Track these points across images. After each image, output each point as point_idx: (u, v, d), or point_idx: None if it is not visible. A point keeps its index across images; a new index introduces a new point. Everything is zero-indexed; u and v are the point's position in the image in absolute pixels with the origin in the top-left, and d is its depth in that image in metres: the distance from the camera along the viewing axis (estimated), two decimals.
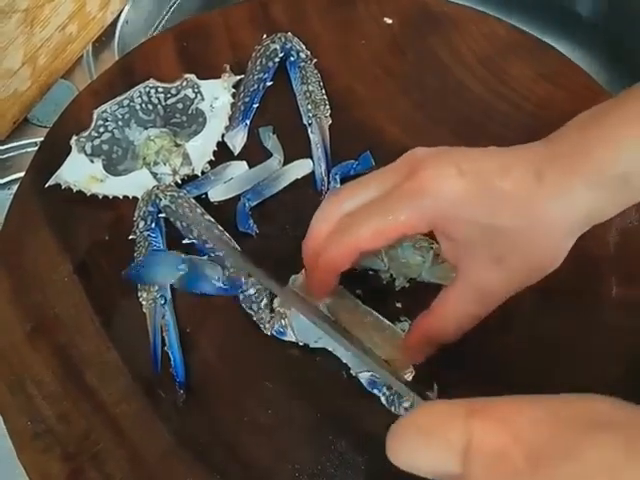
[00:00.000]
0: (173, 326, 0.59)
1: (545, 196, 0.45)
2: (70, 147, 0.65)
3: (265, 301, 0.57)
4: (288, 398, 0.55)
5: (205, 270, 0.57)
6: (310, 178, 0.66)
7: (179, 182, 0.65)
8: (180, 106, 0.67)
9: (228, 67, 0.68)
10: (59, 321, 0.60)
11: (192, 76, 0.67)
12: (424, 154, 0.48)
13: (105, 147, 0.65)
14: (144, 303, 0.59)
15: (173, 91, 0.67)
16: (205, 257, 0.60)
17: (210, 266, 0.57)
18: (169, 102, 0.67)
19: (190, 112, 0.67)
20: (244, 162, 0.66)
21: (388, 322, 0.56)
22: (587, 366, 0.57)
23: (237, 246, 0.60)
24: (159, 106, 0.67)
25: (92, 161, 0.64)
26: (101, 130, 0.65)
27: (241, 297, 0.57)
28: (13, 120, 0.82)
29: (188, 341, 0.58)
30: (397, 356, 0.54)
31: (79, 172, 0.64)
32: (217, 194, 0.64)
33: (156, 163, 0.65)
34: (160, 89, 0.67)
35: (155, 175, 0.64)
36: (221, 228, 0.61)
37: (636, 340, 0.58)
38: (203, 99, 0.66)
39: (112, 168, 0.65)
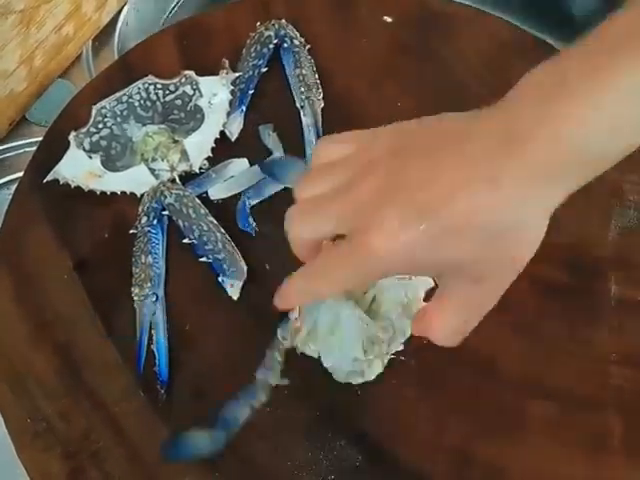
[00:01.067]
0: (162, 324, 0.59)
1: (506, 207, 0.38)
2: (69, 143, 0.64)
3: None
4: (287, 396, 0.55)
5: None
6: None
7: (177, 179, 0.65)
8: (179, 103, 0.67)
9: (227, 62, 0.68)
10: (59, 319, 0.59)
11: (191, 73, 0.67)
12: (371, 199, 0.39)
13: (103, 143, 0.65)
14: (135, 299, 0.59)
15: (172, 87, 0.67)
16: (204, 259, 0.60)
17: None
18: (167, 99, 0.67)
19: (188, 109, 0.67)
20: (245, 160, 0.66)
21: None
22: (587, 366, 0.57)
23: (237, 251, 0.60)
24: (157, 102, 0.67)
25: (90, 157, 0.64)
26: (100, 126, 0.65)
27: None
28: (9, 121, 0.82)
29: (187, 339, 0.58)
30: None
31: (77, 168, 0.64)
32: (217, 192, 0.64)
33: (154, 159, 0.65)
34: (159, 85, 0.67)
35: (153, 171, 0.64)
36: (223, 231, 0.61)
37: (636, 340, 0.58)
38: (202, 95, 0.66)
39: (110, 164, 0.64)
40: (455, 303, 0.43)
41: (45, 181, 0.64)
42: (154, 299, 0.59)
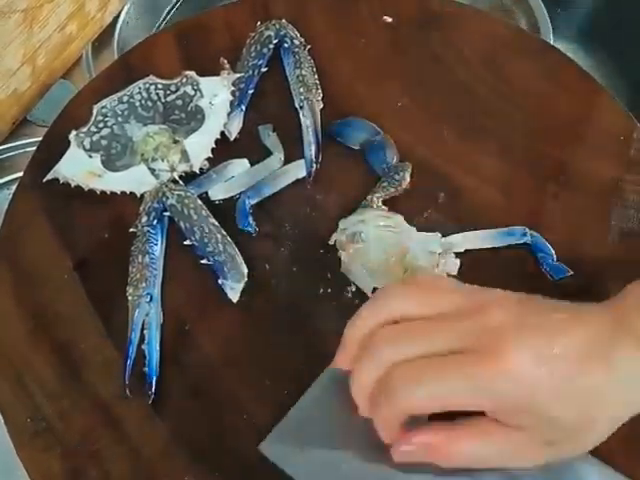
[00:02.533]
0: (156, 325, 0.58)
1: (613, 386, 0.43)
2: (69, 143, 0.64)
3: None
4: (287, 396, 0.55)
5: None
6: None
7: (177, 179, 0.65)
8: (179, 103, 0.67)
9: (226, 61, 0.68)
10: (59, 318, 0.60)
11: (192, 73, 0.67)
12: (503, 324, 0.43)
13: (104, 142, 0.65)
14: (129, 298, 0.59)
15: (172, 88, 0.67)
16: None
17: None
18: (168, 99, 0.67)
19: (189, 109, 0.67)
20: (245, 160, 0.65)
21: None
22: None
23: (238, 253, 0.60)
24: (158, 102, 0.67)
25: (90, 156, 0.64)
26: (100, 125, 0.65)
27: None
28: (13, 120, 0.82)
29: (187, 338, 0.58)
30: None
31: (77, 167, 0.64)
32: (218, 193, 0.64)
33: (154, 159, 0.65)
34: (160, 85, 0.67)
35: (153, 171, 0.64)
36: (224, 232, 0.61)
37: None
38: (202, 96, 0.66)
39: (110, 164, 0.64)
40: (506, 442, 0.44)
41: (45, 180, 0.64)
42: (148, 299, 0.59)
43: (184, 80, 0.67)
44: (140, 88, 0.67)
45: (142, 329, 0.58)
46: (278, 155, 0.66)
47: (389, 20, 0.75)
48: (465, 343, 0.42)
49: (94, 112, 0.65)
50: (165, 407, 0.56)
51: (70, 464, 0.54)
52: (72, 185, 0.64)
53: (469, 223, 0.62)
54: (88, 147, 0.65)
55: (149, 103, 0.67)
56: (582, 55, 0.99)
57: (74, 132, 0.64)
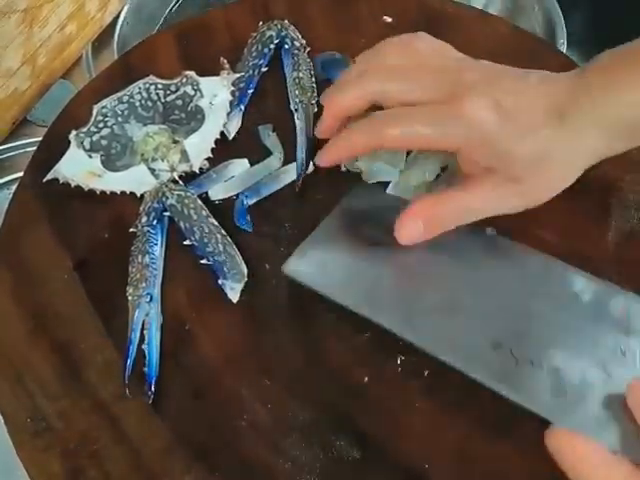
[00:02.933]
0: (156, 325, 0.58)
1: (563, 138, 0.51)
2: (69, 143, 0.65)
3: None
4: (288, 396, 0.55)
5: None
6: (310, 177, 0.65)
7: (177, 179, 0.65)
8: (179, 103, 0.67)
9: (226, 61, 0.69)
10: (59, 318, 0.59)
11: (192, 73, 0.67)
12: (471, 82, 0.52)
13: (104, 142, 0.65)
14: (129, 298, 0.59)
15: (172, 88, 0.67)
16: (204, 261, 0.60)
17: None
18: (168, 99, 0.67)
19: (189, 109, 0.67)
20: (245, 160, 0.66)
21: None
22: None
23: (238, 253, 0.60)
24: (158, 102, 0.67)
25: (90, 156, 0.64)
26: (100, 125, 0.65)
27: None
28: (13, 120, 0.82)
29: (187, 338, 0.58)
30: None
31: (77, 167, 0.64)
32: (218, 193, 0.64)
33: (154, 159, 0.65)
34: (160, 85, 0.67)
35: (153, 171, 0.64)
36: (224, 233, 0.61)
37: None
38: (202, 96, 0.66)
39: (110, 164, 0.65)
40: (482, 190, 0.53)
41: (45, 180, 0.64)
42: (148, 300, 0.59)
43: (184, 80, 0.67)
44: (140, 88, 0.67)
45: (142, 329, 0.58)
46: (278, 155, 0.66)
47: (389, 20, 0.75)
48: (440, 94, 0.52)
49: (94, 112, 0.66)
50: (165, 407, 0.56)
51: (70, 464, 0.54)
52: (72, 185, 0.64)
53: None
54: (88, 147, 0.65)
55: (149, 103, 0.67)
56: (582, 54, 0.99)
57: (74, 132, 0.65)
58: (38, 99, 0.84)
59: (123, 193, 0.64)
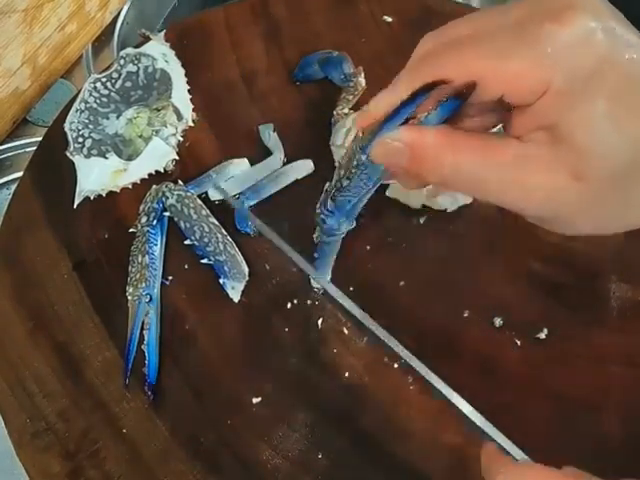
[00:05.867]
0: (155, 326, 0.59)
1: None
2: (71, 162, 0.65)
3: None
4: (288, 396, 0.55)
5: None
6: (310, 178, 0.65)
7: (176, 148, 0.66)
8: (129, 85, 0.68)
9: (144, 30, 0.71)
10: (59, 319, 0.60)
11: (125, 51, 0.69)
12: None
13: (102, 147, 0.65)
14: (129, 298, 0.59)
15: (114, 75, 0.68)
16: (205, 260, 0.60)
17: None
18: (117, 86, 0.68)
19: (141, 83, 0.68)
20: (245, 159, 0.66)
21: None
22: (587, 366, 0.57)
23: (239, 253, 0.60)
24: (112, 94, 0.67)
25: (106, 157, 0.65)
26: (80, 140, 0.65)
27: None
28: (13, 120, 0.82)
29: (186, 338, 0.59)
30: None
31: (101, 174, 0.64)
32: (218, 193, 0.64)
33: (157, 131, 0.66)
34: (103, 79, 0.68)
35: (165, 139, 0.65)
36: (224, 232, 0.61)
37: (636, 340, 0.58)
38: (156, 59, 0.68)
39: (124, 156, 0.65)
40: (521, 148, 0.35)
41: (76, 205, 0.64)
42: (148, 300, 0.59)
43: (121, 62, 0.68)
44: (89, 90, 0.67)
45: (142, 329, 0.58)
46: (278, 155, 0.66)
47: (389, 20, 0.75)
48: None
49: (67, 132, 0.66)
50: (165, 407, 0.56)
51: (70, 464, 0.54)
52: (104, 195, 0.64)
53: None
54: (95, 153, 0.65)
55: (104, 99, 0.67)
56: None
57: (67, 152, 0.65)
58: (38, 99, 0.84)
59: (150, 175, 0.65)
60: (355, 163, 0.41)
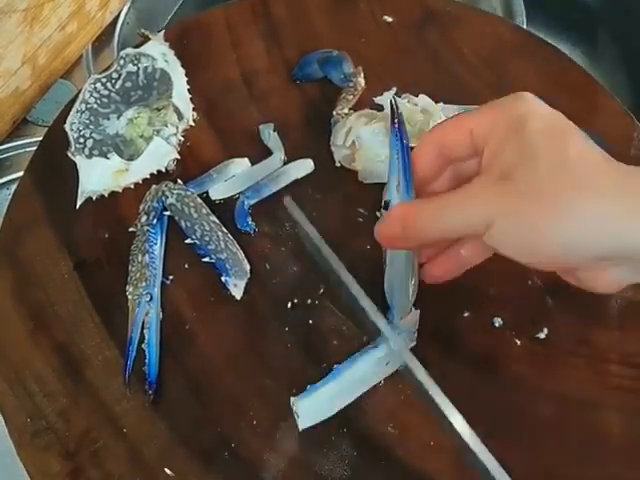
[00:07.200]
0: (155, 325, 0.58)
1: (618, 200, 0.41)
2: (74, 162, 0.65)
3: None
4: (288, 396, 0.55)
5: None
6: (310, 178, 0.65)
7: (177, 148, 0.66)
8: (129, 85, 0.68)
9: (143, 30, 0.71)
10: (59, 318, 0.60)
11: (125, 51, 0.69)
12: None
13: (103, 148, 0.65)
14: (129, 297, 0.59)
15: (114, 75, 0.68)
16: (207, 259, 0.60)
17: None
18: (117, 86, 0.68)
19: (141, 84, 0.68)
20: (246, 159, 0.66)
21: None
22: (587, 366, 0.57)
23: (240, 250, 0.60)
24: (112, 94, 0.67)
25: (108, 157, 0.65)
26: (82, 141, 0.65)
27: None
28: (13, 120, 0.82)
29: (187, 338, 0.58)
30: None
31: (102, 175, 0.64)
32: (218, 192, 0.64)
33: (157, 131, 0.66)
34: (103, 79, 0.68)
35: (166, 139, 0.65)
36: (225, 230, 0.61)
37: (637, 340, 0.58)
38: (155, 60, 0.68)
39: (125, 156, 0.65)
40: (481, 189, 0.44)
41: (78, 206, 0.64)
42: (148, 299, 0.59)
43: (122, 62, 0.68)
44: (90, 91, 0.67)
45: (142, 328, 0.58)
46: (279, 154, 0.66)
47: (389, 20, 0.75)
48: None
49: (68, 131, 0.66)
50: (165, 406, 0.56)
51: (70, 464, 0.54)
52: (106, 195, 0.64)
53: None
54: (97, 153, 0.65)
55: (104, 100, 0.67)
56: (582, 54, 1.00)
57: (69, 152, 0.65)
58: (38, 99, 0.84)
59: (152, 175, 0.65)
60: None
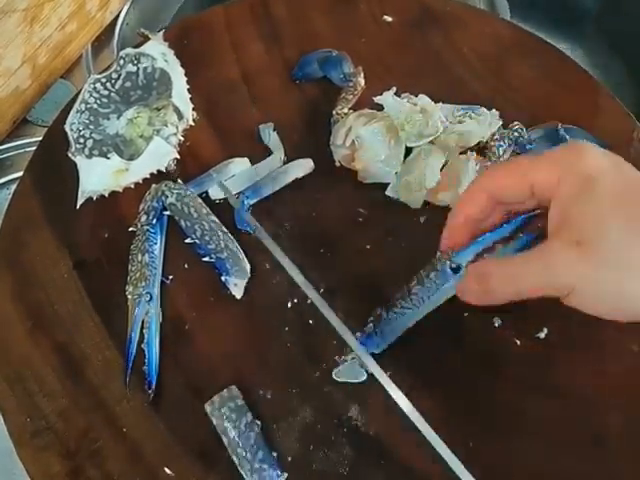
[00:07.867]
0: (155, 324, 0.59)
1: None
2: (74, 162, 0.65)
3: None
4: (287, 395, 0.55)
5: None
6: (310, 177, 0.65)
7: (177, 148, 0.66)
8: (129, 84, 0.68)
9: (142, 30, 0.72)
10: (59, 318, 0.60)
11: (125, 51, 0.69)
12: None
13: (103, 148, 0.65)
14: (129, 297, 0.59)
15: (114, 75, 0.68)
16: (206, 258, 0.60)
17: None
18: (117, 86, 0.68)
19: (140, 84, 0.68)
20: (246, 159, 0.66)
21: None
22: (587, 366, 0.57)
23: (240, 250, 0.60)
24: (112, 94, 0.68)
25: (108, 157, 0.65)
26: (82, 141, 0.65)
27: None
28: (13, 119, 0.82)
29: (186, 337, 0.59)
30: None
31: (102, 175, 0.64)
32: (218, 192, 0.64)
33: (158, 130, 0.66)
34: (103, 79, 0.68)
35: (166, 139, 0.65)
36: (225, 230, 0.61)
37: (637, 339, 0.58)
38: (155, 59, 0.68)
39: (125, 156, 0.65)
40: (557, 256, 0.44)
41: (79, 206, 0.64)
42: (148, 298, 0.59)
43: (121, 62, 0.68)
44: (89, 91, 0.67)
45: (142, 328, 0.58)
46: (279, 154, 0.66)
47: (389, 20, 0.75)
48: None
49: (68, 132, 0.66)
50: (165, 406, 0.56)
51: (70, 463, 0.54)
52: (106, 195, 0.64)
53: None
54: (97, 153, 0.65)
55: (104, 100, 0.67)
56: (582, 54, 1.00)
57: (69, 152, 0.65)
58: (38, 98, 0.84)
59: (152, 175, 0.65)
60: (434, 273, 0.51)
